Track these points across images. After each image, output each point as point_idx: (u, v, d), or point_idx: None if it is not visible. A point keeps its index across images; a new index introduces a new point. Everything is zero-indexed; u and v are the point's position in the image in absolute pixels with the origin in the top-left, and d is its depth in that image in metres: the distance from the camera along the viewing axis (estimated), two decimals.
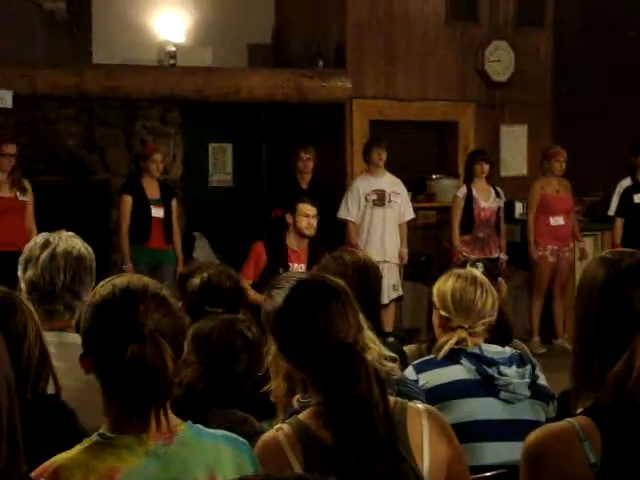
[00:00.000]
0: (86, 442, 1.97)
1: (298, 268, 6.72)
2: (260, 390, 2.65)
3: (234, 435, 2.08)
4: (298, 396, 2.38)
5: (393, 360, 2.40)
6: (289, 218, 6.78)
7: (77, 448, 1.97)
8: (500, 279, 4.01)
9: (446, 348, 3.33)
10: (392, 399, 2.33)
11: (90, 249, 3.25)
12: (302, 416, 2.30)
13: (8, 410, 1.63)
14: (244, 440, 2.07)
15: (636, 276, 2.12)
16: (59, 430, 2.49)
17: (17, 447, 1.65)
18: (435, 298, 3.46)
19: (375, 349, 2.36)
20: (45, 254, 3.12)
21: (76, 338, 3.07)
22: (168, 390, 1.96)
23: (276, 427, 2.29)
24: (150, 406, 1.94)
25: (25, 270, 3.16)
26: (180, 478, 1.94)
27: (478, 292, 3.37)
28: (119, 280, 2.03)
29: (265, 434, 2.31)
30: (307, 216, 6.75)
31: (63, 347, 2.97)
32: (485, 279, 3.45)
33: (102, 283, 2.05)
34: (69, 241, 3.20)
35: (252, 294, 6.66)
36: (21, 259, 3.21)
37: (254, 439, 2.27)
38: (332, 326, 2.27)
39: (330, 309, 2.30)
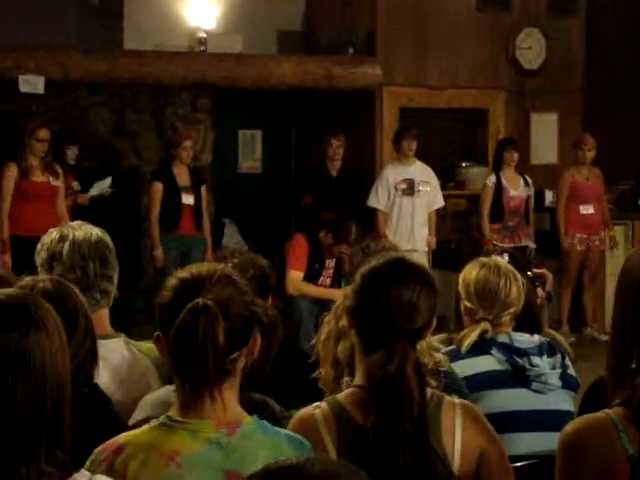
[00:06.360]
0: (153, 423, 2.01)
1: (330, 263, 6.76)
2: (309, 376, 2.68)
3: (297, 436, 2.10)
4: (347, 379, 2.41)
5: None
6: (328, 238, 6.79)
7: (144, 428, 2.01)
8: (545, 270, 3.94)
9: (469, 341, 3.30)
10: (429, 391, 2.34)
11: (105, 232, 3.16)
12: (340, 396, 2.35)
13: (53, 405, 1.62)
14: (307, 443, 2.09)
15: None
16: (99, 415, 2.51)
17: (58, 442, 1.65)
18: (460, 288, 3.43)
19: (426, 340, 2.38)
20: (67, 246, 3.04)
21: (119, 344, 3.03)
22: (219, 366, 1.97)
23: (314, 405, 2.33)
24: (203, 381, 1.96)
25: (51, 268, 3.03)
26: (237, 469, 1.95)
27: (502, 282, 3.32)
28: (196, 265, 2.09)
29: (303, 410, 2.34)
30: (342, 253, 6.82)
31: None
32: (510, 268, 3.39)
33: (182, 269, 2.10)
34: (84, 228, 3.12)
35: (311, 289, 6.74)
36: (42, 259, 3.10)
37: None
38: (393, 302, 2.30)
39: (403, 286, 2.32)
